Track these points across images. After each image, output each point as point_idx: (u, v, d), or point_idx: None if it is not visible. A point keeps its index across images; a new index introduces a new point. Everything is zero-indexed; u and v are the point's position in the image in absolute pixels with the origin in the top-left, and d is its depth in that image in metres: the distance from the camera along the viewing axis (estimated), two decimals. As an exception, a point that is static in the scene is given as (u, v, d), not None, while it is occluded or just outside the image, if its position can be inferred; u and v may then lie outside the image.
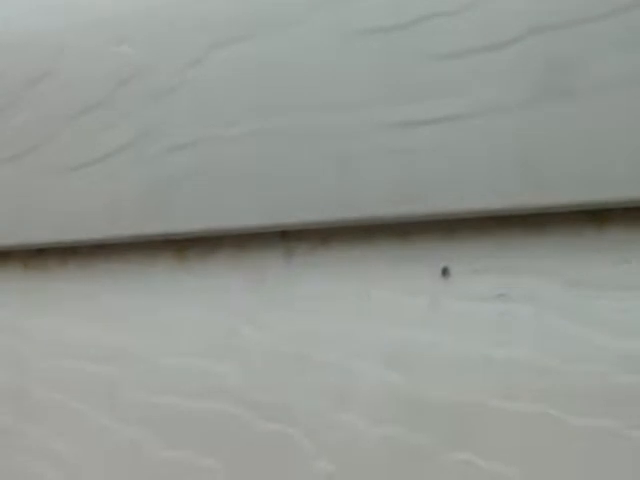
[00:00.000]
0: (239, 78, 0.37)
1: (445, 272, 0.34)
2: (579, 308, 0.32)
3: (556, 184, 0.31)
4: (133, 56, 0.40)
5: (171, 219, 0.39)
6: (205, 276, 0.40)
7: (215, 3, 0.38)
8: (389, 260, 0.35)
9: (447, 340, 0.34)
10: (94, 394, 0.43)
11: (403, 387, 0.34)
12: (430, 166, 0.33)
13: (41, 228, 0.43)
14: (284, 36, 0.36)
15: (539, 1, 0.31)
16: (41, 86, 0.43)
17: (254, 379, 0.38)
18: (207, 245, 0.40)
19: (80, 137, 0.42)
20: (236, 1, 0.37)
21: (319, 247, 0.37)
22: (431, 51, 0.33)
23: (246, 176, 0.37)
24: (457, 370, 0.34)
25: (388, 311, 0.35)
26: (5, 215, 0.44)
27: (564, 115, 0.31)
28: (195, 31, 0.39)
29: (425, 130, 0.33)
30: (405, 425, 0.34)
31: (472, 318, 0.34)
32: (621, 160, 0.30)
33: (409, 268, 0.35)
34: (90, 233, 0.42)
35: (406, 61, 0.34)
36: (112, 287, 0.43)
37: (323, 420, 0.36)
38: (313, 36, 0.36)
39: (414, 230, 0.35)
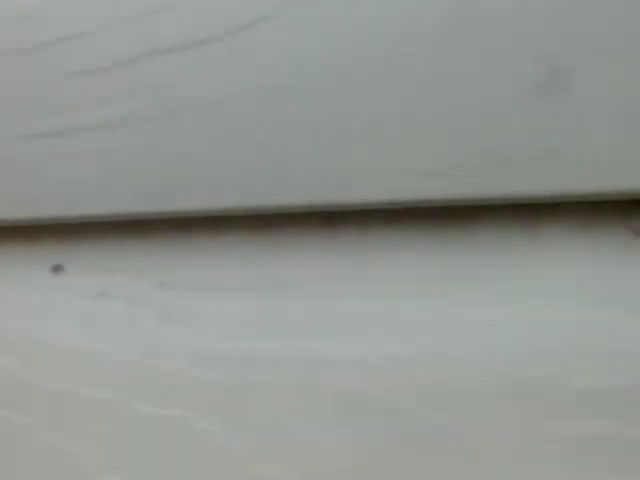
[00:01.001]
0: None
1: (57, 269, 0.37)
2: (166, 308, 0.35)
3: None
4: None
5: None
6: None
7: None
8: (14, 259, 0.39)
9: (57, 333, 0.37)
10: None
11: (18, 374, 0.37)
12: (61, 174, 0.36)
13: None
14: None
15: (152, 25, 0.34)
16: None
17: None
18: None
19: None
20: None
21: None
22: (67, 69, 0.36)
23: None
24: (61, 360, 0.37)
25: (8, 305, 0.38)
26: None
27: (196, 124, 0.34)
28: None
29: (57, 140, 0.36)
30: (8, 407, 0.37)
31: (78, 313, 0.37)
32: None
33: (25, 266, 0.38)
34: None
35: (46, 78, 0.37)
36: None
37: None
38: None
39: (38, 231, 0.38)
